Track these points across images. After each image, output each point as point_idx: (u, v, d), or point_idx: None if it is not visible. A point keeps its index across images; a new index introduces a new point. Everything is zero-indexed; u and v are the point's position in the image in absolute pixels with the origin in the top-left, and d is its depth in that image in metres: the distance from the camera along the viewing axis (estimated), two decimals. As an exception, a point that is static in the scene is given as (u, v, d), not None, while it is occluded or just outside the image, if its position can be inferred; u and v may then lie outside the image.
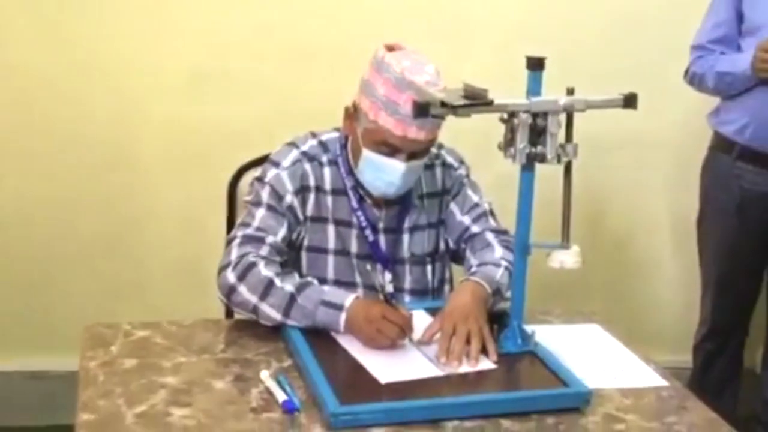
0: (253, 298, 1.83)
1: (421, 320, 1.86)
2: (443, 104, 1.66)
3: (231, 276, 1.85)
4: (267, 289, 1.82)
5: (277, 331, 1.85)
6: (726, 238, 2.70)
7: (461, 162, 2.11)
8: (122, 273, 3.04)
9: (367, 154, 1.91)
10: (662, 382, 1.78)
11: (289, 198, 1.95)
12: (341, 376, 1.66)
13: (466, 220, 2.07)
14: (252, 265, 1.85)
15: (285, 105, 2.90)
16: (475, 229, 2.07)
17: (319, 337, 1.80)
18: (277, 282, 1.83)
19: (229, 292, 1.85)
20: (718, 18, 2.64)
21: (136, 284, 3.04)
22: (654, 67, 3.02)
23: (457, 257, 2.11)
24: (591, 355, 1.86)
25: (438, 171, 2.08)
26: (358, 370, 1.70)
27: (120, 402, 1.58)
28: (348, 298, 1.82)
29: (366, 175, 1.94)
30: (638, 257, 3.33)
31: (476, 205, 2.09)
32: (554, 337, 1.87)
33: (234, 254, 1.88)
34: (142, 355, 1.76)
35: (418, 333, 1.81)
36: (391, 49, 1.89)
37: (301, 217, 1.97)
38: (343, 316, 1.80)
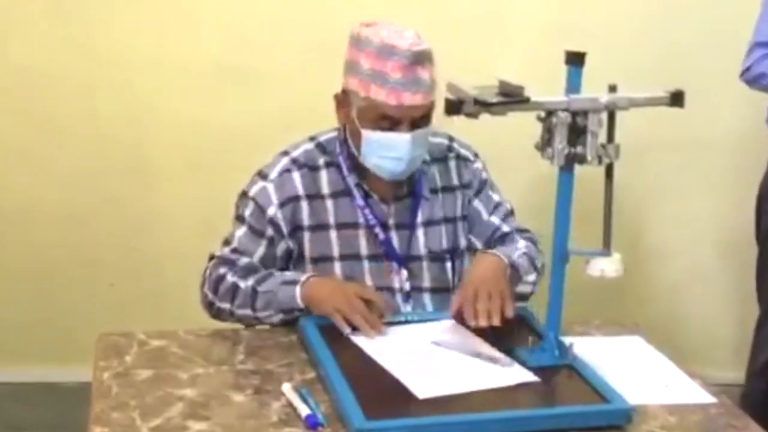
0: (227, 306, 1.92)
1: (449, 328, 1.83)
2: (477, 102, 1.60)
3: (208, 293, 1.95)
4: (234, 293, 1.90)
5: (299, 341, 1.82)
6: None
7: (476, 155, 2.08)
8: (136, 279, 3.03)
9: (367, 134, 1.88)
10: (710, 399, 1.70)
11: (273, 210, 1.93)
12: (368, 389, 1.60)
13: (495, 220, 2.05)
14: (221, 278, 1.93)
15: (307, 103, 2.84)
16: (505, 228, 2.06)
17: (345, 347, 1.76)
18: (240, 284, 1.90)
19: (208, 308, 1.96)
20: None
21: (151, 291, 3.02)
22: (700, 64, 2.96)
23: None
24: (633, 369, 1.80)
25: (452, 164, 2.05)
26: (388, 382, 1.64)
27: (134, 415, 1.55)
28: (305, 275, 1.87)
29: (371, 157, 1.90)
30: (683, 266, 3.25)
31: (499, 203, 2.07)
32: (594, 350, 1.81)
33: (207, 276, 1.96)
34: (158, 366, 1.73)
35: (451, 341, 1.77)
36: (368, 26, 1.89)
37: (285, 230, 1.94)
38: (298, 290, 1.84)
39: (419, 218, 1.98)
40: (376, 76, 1.82)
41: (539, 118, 1.66)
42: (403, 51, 1.80)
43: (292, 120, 2.79)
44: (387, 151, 1.87)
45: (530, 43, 2.93)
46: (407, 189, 1.97)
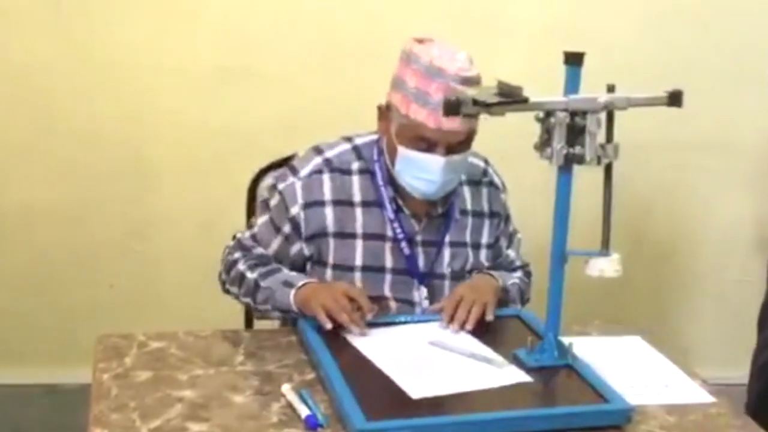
0: (235, 290, 1.97)
1: (446, 329, 1.84)
2: (476, 102, 1.60)
3: (222, 273, 2.01)
4: (241, 281, 1.94)
5: (299, 342, 1.81)
6: None
7: (504, 186, 2.09)
8: (136, 280, 3.01)
9: (403, 152, 1.85)
10: (710, 399, 1.70)
11: (296, 210, 1.91)
12: (368, 390, 1.59)
13: (512, 252, 2.11)
14: (234, 263, 1.97)
15: (307, 105, 2.85)
16: (518, 262, 2.12)
17: (344, 348, 1.75)
18: (247, 274, 1.94)
19: (221, 285, 2.02)
20: None
21: (151, 292, 3.01)
22: (699, 64, 2.94)
23: None
24: (633, 369, 1.80)
25: (485, 190, 2.04)
26: (386, 383, 1.63)
27: (134, 416, 1.54)
28: (304, 279, 1.87)
29: (404, 175, 1.87)
30: (683, 266, 3.24)
31: (513, 234, 2.12)
32: (593, 350, 1.80)
33: (226, 255, 2.01)
34: (158, 367, 1.72)
35: (447, 341, 1.76)
36: (420, 42, 1.84)
37: (304, 232, 1.91)
38: (292, 294, 1.84)
39: (447, 238, 1.96)
40: (418, 96, 1.78)
41: (538, 119, 1.65)
42: (450, 75, 1.76)
43: (293, 121, 2.80)
44: (420, 172, 1.84)
45: (529, 44, 2.92)
46: (441, 209, 1.95)
